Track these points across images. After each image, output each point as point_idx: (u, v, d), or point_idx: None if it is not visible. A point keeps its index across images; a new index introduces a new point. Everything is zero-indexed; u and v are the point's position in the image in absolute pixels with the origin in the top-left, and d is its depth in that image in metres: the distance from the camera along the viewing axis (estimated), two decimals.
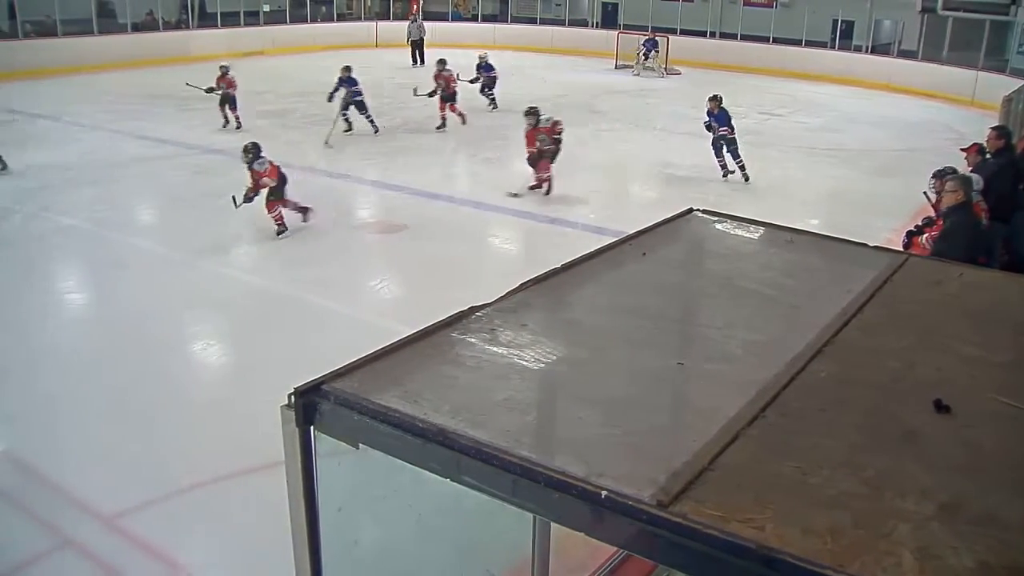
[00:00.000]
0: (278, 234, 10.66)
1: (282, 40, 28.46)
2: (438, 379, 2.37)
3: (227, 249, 10.55)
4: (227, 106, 16.83)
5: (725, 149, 13.35)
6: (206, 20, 28.39)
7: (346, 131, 16.19)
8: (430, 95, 17.15)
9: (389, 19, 31.39)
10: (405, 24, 28.38)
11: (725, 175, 13.44)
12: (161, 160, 14.65)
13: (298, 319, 8.45)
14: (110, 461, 6.03)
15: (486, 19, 33.03)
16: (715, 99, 13.34)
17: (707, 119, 13.43)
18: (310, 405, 2.26)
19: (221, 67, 16.97)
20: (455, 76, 17.55)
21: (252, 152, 10.67)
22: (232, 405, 6.77)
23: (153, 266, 9.98)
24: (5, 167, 13.37)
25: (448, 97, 17.19)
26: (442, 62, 17.74)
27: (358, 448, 2.23)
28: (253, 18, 29.42)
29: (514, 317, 2.74)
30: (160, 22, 26.85)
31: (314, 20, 30.90)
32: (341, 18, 31.94)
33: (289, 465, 2.29)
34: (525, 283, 2.92)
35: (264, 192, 10.63)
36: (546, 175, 12.32)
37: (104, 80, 22.23)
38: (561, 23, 31.37)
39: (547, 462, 1.94)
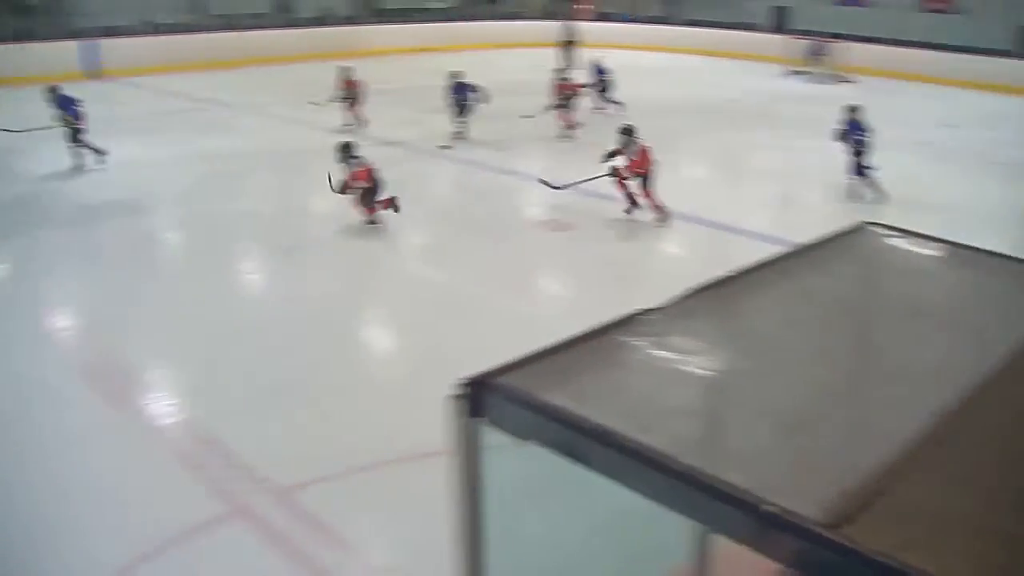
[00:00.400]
0: (368, 223, 10.98)
1: (455, 37, 29.09)
2: (605, 380, 2.38)
3: (399, 239, 10.93)
4: (353, 106, 17.07)
5: (864, 156, 12.75)
6: (382, 16, 29.39)
7: (458, 134, 16.32)
8: (552, 107, 16.97)
9: (559, 18, 31.42)
10: (579, 23, 28.13)
11: (863, 176, 12.82)
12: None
13: (468, 311, 8.70)
14: (286, 436, 6.36)
15: (651, 20, 32.63)
16: (854, 109, 12.81)
17: (845, 128, 12.83)
18: (478, 397, 2.28)
19: (343, 69, 17.16)
20: (575, 82, 17.44)
21: (342, 152, 10.99)
22: (404, 391, 7.04)
23: (332, 253, 10.53)
24: (102, 154, 13.83)
25: (564, 105, 16.94)
26: (558, 70, 17.77)
27: (524, 443, 2.26)
28: (427, 14, 30.22)
29: (683, 323, 2.71)
30: (336, 17, 28.02)
31: (487, 18, 31.42)
32: (514, 16, 32.31)
33: (455, 455, 2.34)
34: (694, 289, 2.89)
35: (357, 191, 10.89)
36: (654, 202, 11.52)
37: (281, 72, 23.36)
38: (728, 26, 30.63)
39: (712, 470, 1.92)
